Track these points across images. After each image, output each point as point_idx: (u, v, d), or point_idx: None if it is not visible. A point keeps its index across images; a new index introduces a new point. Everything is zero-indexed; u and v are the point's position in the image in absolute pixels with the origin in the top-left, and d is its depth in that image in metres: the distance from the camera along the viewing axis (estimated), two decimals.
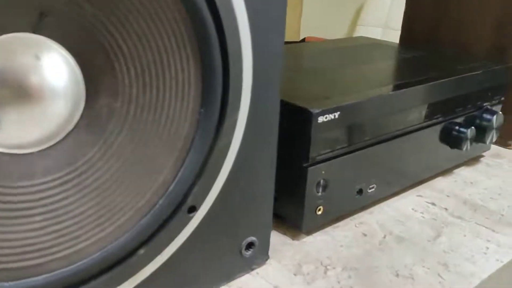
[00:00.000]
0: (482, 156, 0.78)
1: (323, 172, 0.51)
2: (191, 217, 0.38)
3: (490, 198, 0.64)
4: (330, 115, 0.49)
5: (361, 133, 0.54)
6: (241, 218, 0.44)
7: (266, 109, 0.41)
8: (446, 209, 0.61)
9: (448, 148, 0.67)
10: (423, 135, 0.63)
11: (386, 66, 0.69)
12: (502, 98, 0.74)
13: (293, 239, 0.53)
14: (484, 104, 0.71)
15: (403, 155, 0.61)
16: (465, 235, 0.55)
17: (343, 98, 0.52)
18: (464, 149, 0.66)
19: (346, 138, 0.52)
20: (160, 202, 0.35)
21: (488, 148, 0.76)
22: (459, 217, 0.59)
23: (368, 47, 0.82)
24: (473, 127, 0.67)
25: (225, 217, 0.42)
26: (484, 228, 0.57)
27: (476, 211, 0.61)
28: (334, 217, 0.56)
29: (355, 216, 0.58)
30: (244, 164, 0.41)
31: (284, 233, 0.54)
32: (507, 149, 0.81)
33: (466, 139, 0.66)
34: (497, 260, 0.51)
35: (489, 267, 0.50)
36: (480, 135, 0.70)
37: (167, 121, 0.34)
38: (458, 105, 0.66)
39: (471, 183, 0.68)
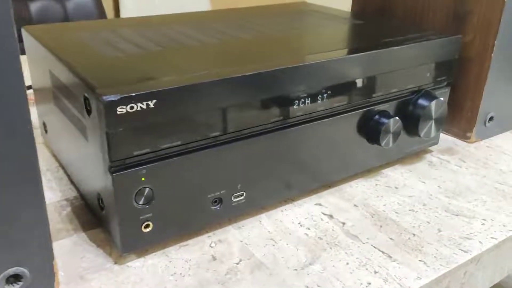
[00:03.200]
0: (430, 151, 0.63)
1: (143, 179, 0.39)
2: None
3: (410, 210, 0.50)
4: (140, 103, 0.36)
5: (207, 126, 0.41)
6: None
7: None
8: (343, 223, 0.47)
9: (367, 143, 0.53)
10: (324, 127, 0.49)
11: (288, 38, 0.54)
12: (450, 80, 0.59)
13: (115, 263, 0.41)
14: (423, 88, 0.56)
15: (292, 153, 0.47)
16: (347, 263, 0.42)
17: (175, 79, 0.39)
18: (384, 144, 0.52)
19: (180, 133, 0.39)
20: None
21: (436, 142, 0.61)
22: (354, 237, 0.45)
23: (297, 15, 0.67)
24: (397, 118, 0.52)
25: None
26: (379, 253, 0.43)
27: (383, 228, 0.47)
28: (181, 234, 0.43)
29: (218, 231, 0.46)
30: None
31: (110, 254, 0.42)
32: (464, 142, 0.65)
33: (387, 132, 0.52)
34: None
35: None
36: (413, 127, 0.55)
37: None
38: (378, 88, 0.52)
39: (396, 188, 0.54)
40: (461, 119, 0.65)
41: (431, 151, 0.63)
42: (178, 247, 0.43)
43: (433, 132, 0.56)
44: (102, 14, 1.68)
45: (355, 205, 0.50)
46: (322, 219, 0.48)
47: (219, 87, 0.40)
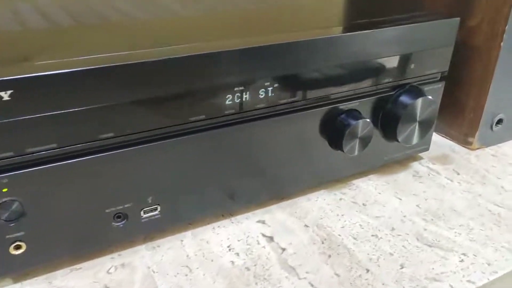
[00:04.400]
0: (420, 158, 0.52)
1: (4, 189, 0.31)
2: None
3: (373, 235, 0.40)
4: None
5: (93, 127, 0.32)
6: None
7: None
8: (283, 249, 0.38)
9: (330, 148, 0.43)
10: (270, 126, 0.39)
11: (234, 15, 0.45)
12: (444, 74, 0.48)
13: None
14: (407, 82, 0.45)
15: (226, 158, 0.38)
16: None
17: (50, 64, 0.30)
18: (348, 151, 0.42)
19: (54, 135, 0.31)
20: None
21: (426, 149, 0.50)
22: (291, 269, 0.36)
23: None
24: (367, 119, 0.42)
25: None
26: None
27: (331, 258, 0.37)
28: (74, 254, 0.35)
29: (126, 252, 0.38)
30: None
31: None
32: (465, 149, 0.54)
33: (353, 136, 0.42)
34: None
35: None
36: (390, 131, 0.45)
37: None
38: (344, 82, 0.42)
39: (363, 205, 0.44)
40: (463, 120, 0.54)
41: (421, 158, 0.52)
42: (69, 270, 0.35)
43: (415, 138, 0.45)
44: None
45: (305, 226, 0.41)
46: (258, 242, 0.39)
47: (103, 76, 0.31)
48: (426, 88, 0.46)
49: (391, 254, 0.38)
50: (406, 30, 0.42)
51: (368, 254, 0.38)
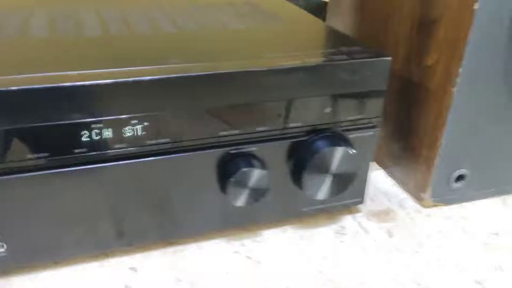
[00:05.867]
0: (358, 211, 0.45)
1: None
2: None
3: None
4: None
5: None
6: None
7: None
8: None
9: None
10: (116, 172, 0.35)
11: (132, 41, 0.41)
12: (375, 122, 0.41)
13: None
14: (324, 127, 0.39)
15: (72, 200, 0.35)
16: None
17: None
18: (235, 200, 0.37)
19: None
20: None
21: (360, 202, 0.44)
22: None
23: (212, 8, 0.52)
24: (258, 169, 0.36)
25: None
26: None
27: None
28: None
29: None
30: None
31: None
32: (417, 205, 0.46)
33: (240, 185, 0.37)
34: None
35: None
36: (297, 180, 0.39)
37: None
38: (237, 123, 0.37)
39: (258, 262, 0.39)
40: (416, 172, 0.46)
41: (358, 212, 0.45)
42: None
43: (326, 193, 0.39)
44: None
45: (178, 280, 0.37)
46: None
47: None
48: (353, 136, 0.40)
49: None
50: (312, 69, 0.36)
51: None
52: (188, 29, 0.44)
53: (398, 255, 0.40)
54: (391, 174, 0.51)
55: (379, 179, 0.51)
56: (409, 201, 0.47)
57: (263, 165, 0.37)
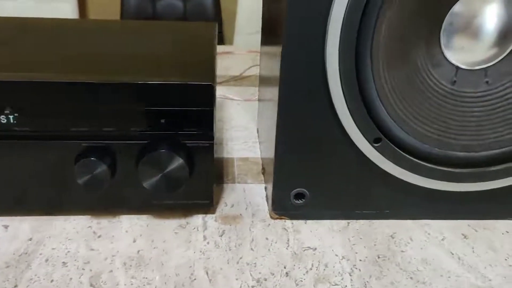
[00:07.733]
0: (213, 213, 0.53)
1: None
2: None
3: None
4: None
5: None
6: None
7: None
8: None
9: None
10: None
11: None
12: (210, 132, 0.48)
13: None
14: (163, 134, 0.48)
15: None
16: None
17: None
18: (81, 186, 0.47)
19: None
20: None
21: (208, 204, 0.51)
22: None
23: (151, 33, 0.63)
24: (99, 161, 0.46)
25: None
26: None
27: None
28: None
29: None
30: None
31: None
32: (267, 215, 0.53)
33: (84, 174, 0.47)
34: None
35: None
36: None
37: None
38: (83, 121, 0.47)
39: (98, 236, 0.48)
40: (268, 187, 0.53)
41: (213, 213, 0.53)
42: None
43: (154, 188, 0.48)
44: (217, 15, 1.79)
45: (29, 239, 0.48)
46: None
47: None
48: (194, 145, 0.48)
49: None
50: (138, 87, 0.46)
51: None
52: (99, 51, 0.56)
53: (214, 249, 0.47)
54: (265, 188, 0.57)
55: (258, 191, 0.57)
56: (264, 212, 0.53)
57: (105, 159, 0.47)
